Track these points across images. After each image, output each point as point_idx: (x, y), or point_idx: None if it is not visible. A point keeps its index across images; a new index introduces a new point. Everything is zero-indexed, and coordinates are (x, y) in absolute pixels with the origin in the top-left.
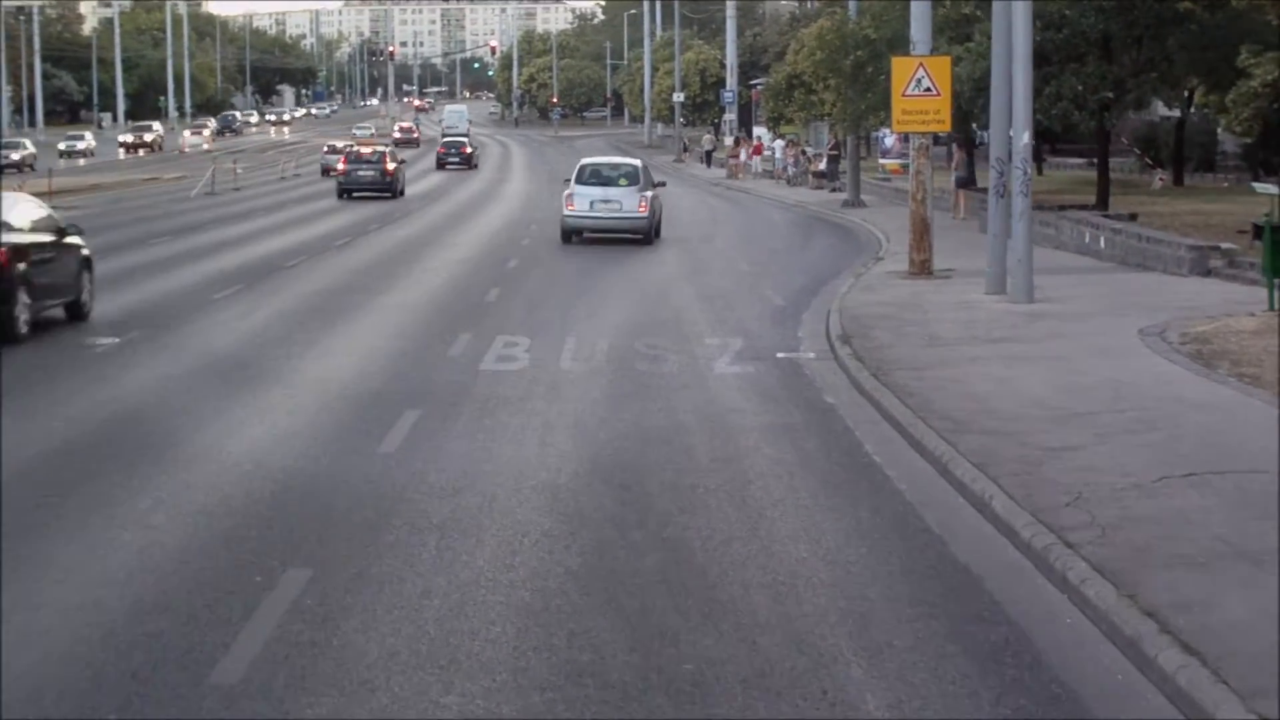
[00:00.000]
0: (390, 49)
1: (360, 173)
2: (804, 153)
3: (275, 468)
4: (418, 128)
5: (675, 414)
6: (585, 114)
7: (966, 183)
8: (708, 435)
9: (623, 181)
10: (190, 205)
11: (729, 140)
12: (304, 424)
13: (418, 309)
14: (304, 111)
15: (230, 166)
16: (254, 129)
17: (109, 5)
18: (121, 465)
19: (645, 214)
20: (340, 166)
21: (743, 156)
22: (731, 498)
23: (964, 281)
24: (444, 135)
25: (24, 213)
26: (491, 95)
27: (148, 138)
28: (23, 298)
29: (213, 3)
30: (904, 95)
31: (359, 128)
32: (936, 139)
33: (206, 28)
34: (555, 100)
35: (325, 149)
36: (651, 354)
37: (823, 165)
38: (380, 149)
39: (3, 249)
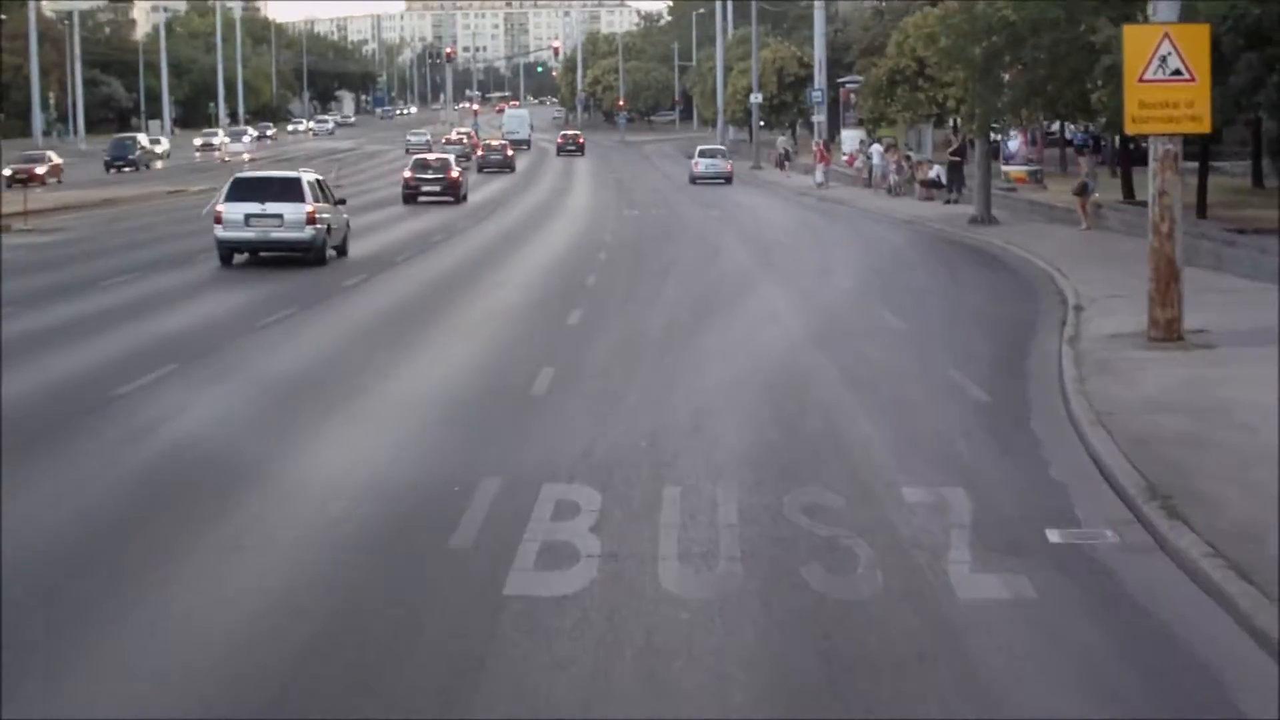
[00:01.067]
0: (449, 50)
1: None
2: (908, 158)
3: None
4: (476, 133)
5: None
6: (653, 117)
7: (1086, 191)
8: None
9: None
10: (193, 227)
11: (816, 145)
12: None
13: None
14: (339, 117)
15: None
16: (293, 134)
17: (162, 10)
18: None
19: None
20: (407, 174)
21: (819, 168)
22: None
23: (1246, 353)
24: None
25: (313, 181)
26: (555, 100)
27: (215, 142)
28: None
29: (271, 4)
30: (1141, 81)
31: (414, 133)
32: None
33: (263, 33)
34: (621, 103)
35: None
36: (819, 536)
37: (933, 173)
38: (446, 156)
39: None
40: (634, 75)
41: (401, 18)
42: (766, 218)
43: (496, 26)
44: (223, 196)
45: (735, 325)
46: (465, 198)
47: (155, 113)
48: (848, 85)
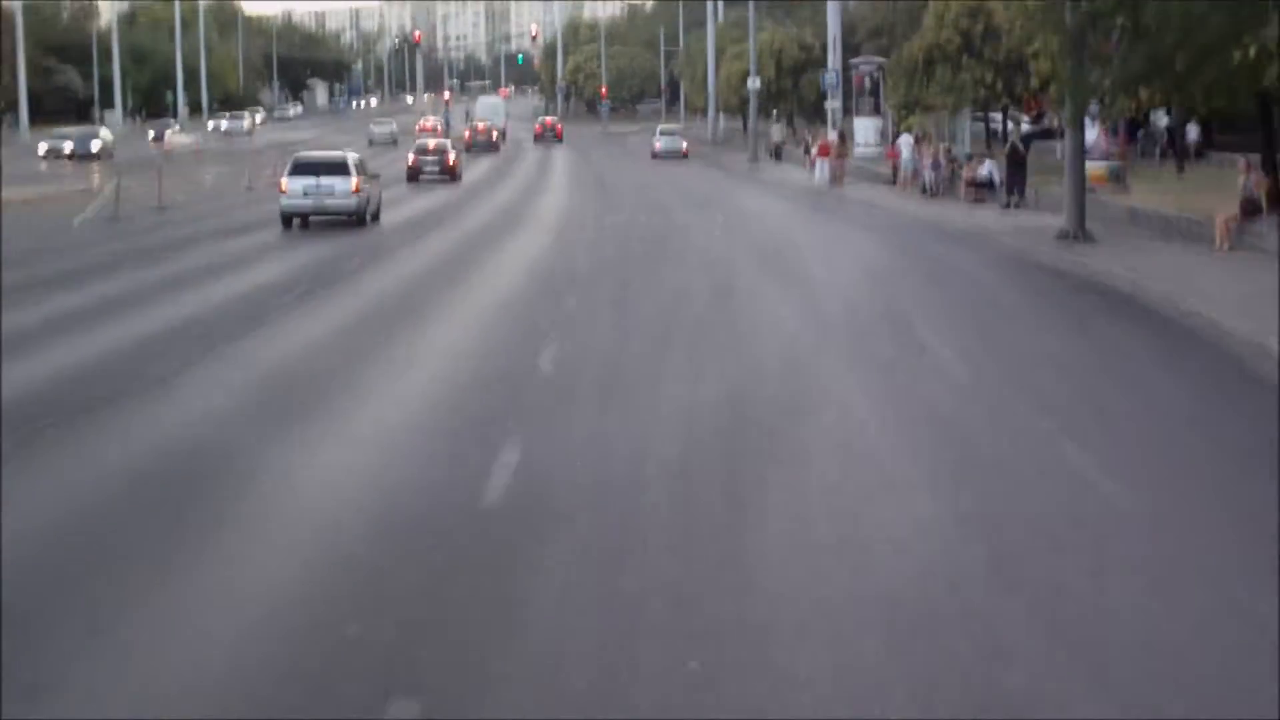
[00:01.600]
0: (416, 34)
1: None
2: (949, 154)
3: None
4: (445, 125)
5: None
6: (638, 106)
7: (1253, 209)
8: None
9: None
10: (57, 242)
11: (833, 135)
12: None
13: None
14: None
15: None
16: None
17: None
18: None
19: None
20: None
21: (816, 160)
22: None
23: None
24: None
25: (356, 160)
26: (536, 90)
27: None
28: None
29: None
30: None
31: (378, 123)
32: (1134, 128)
33: (232, 21)
34: (604, 91)
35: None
36: None
37: (984, 171)
38: (444, 142)
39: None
40: (617, 62)
41: (381, 14)
42: (784, 229)
43: (478, 14)
44: (286, 172)
45: (806, 481)
46: (461, 177)
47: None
48: (860, 68)
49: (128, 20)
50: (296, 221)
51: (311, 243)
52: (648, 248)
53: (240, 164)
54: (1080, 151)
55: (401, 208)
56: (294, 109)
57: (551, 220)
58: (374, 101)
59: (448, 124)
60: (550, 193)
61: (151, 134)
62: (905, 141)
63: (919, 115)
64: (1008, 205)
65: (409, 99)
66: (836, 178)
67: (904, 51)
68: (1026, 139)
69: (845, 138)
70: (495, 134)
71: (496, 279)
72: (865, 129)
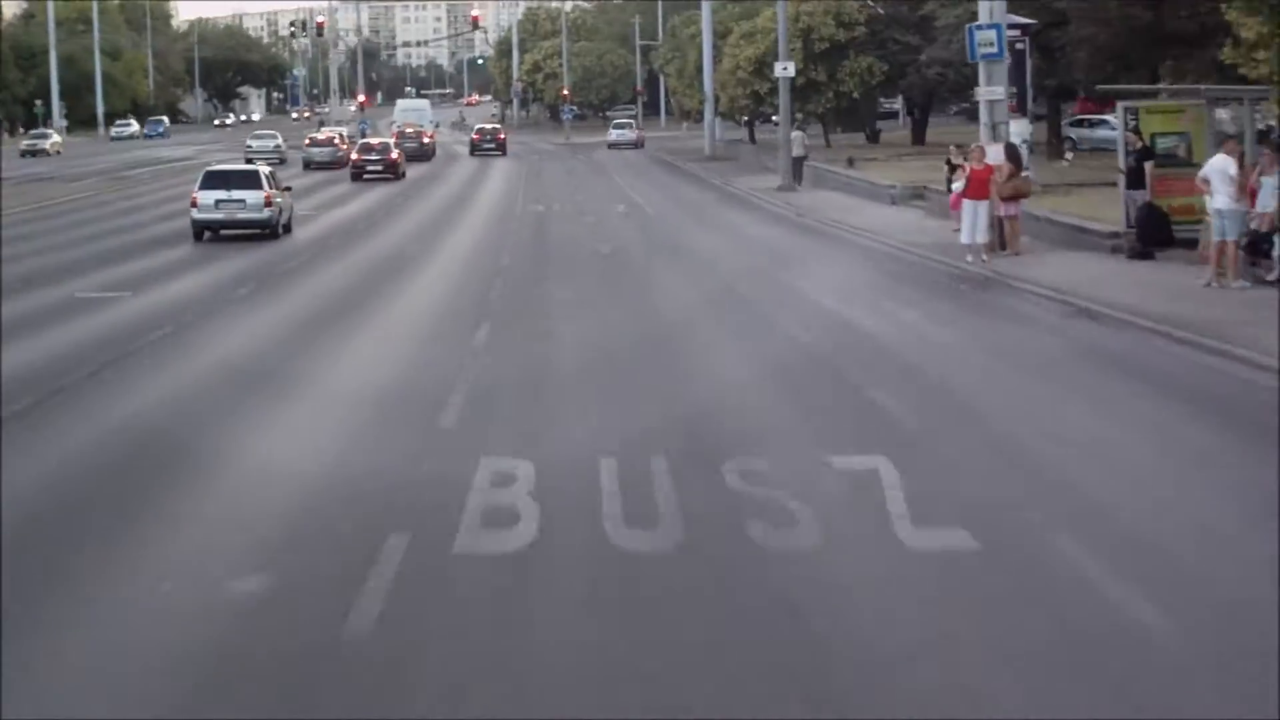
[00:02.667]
0: (319, 21)
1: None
2: None
3: None
4: (345, 137)
5: None
6: (608, 113)
7: None
8: None
9: None
10: None
11: (991, 149)
12: None
13: None
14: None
15: None
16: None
17: None
18: None
19: None
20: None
21: (964, 203)
22: None
23: None
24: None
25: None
26: (492, 95)
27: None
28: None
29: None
30: None
31: (257, 137)
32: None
33: (145, 20)
34: (566, 93)
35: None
36: None
37: None
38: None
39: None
40: (583, 60)
41: (335, 14)
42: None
43: (439, 17)
44: (197, 185)
45: None
46: (404, 175)
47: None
48: (1027, 30)
49: (24, 21)
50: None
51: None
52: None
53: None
54: None
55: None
56: (226, 118)
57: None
58: (256, 115)
59: (363, 133)
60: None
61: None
62: (1221, 167)
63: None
64: None
65: (325, 108)
66: (1003, 239)
67: None
68: None
69: (1016, 157)
70: (426, 138)
71: None
72: (1019, 133)
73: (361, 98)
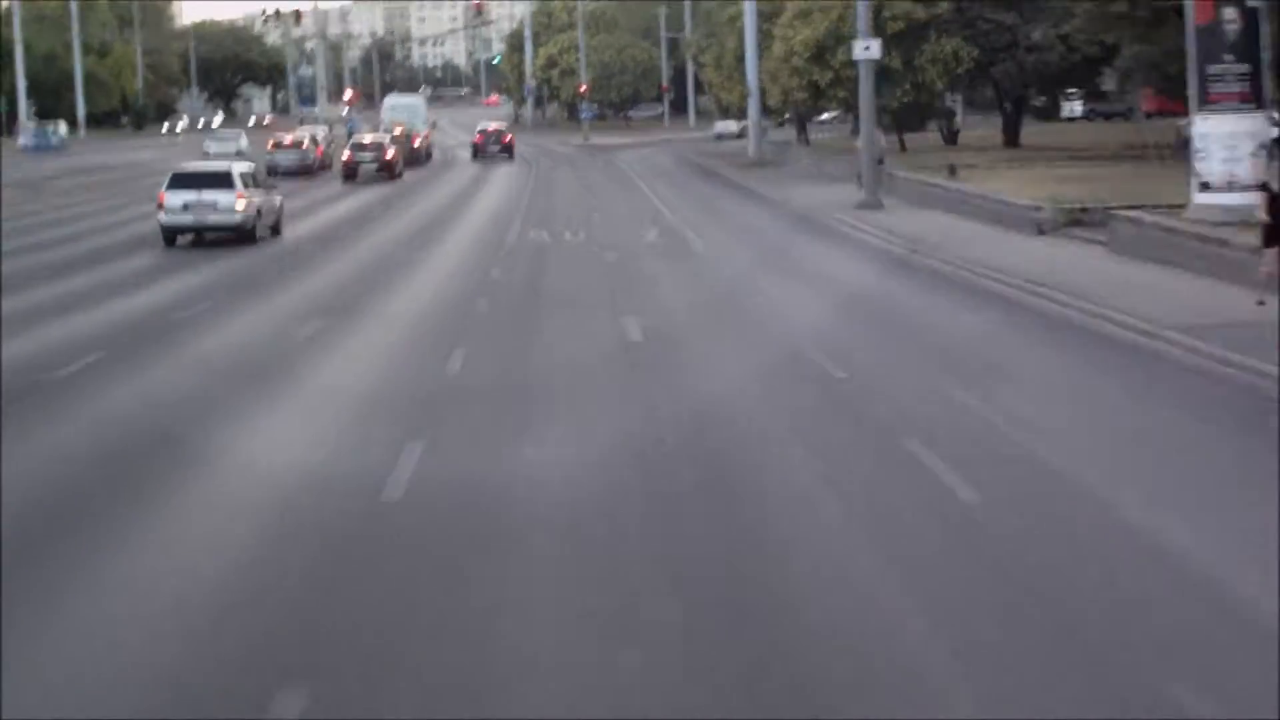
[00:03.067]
0: (296, 9)
1: None
2: None
3: None
4: (319, 140)
5: None
6: (630, 113)
7: None
8: None
9: None
10: None
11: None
12: None
13: None
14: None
15: None
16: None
17: None
18: None
19: None
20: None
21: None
22: None
23: None
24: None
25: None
26: (505, 94)
27: None
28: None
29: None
30: None
31: (216, 140)
32: None
33: (145, 14)
34: (583, 89)
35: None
36: None
37: None
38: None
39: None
40: (602, 55)
41: (347, 16)
42: None
43: (455, 16)
44: (164, 186)
45: None
46: (401, 175)
47: None
48: None
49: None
50: (186, 238)
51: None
52: None
53: None
54: None
55: None
56: (178, 125)
57: None
58: (218, 118)
59: (350, 132)
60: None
61: None
62: None
63: None
64: None
65: (315, 109)
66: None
67: None
68: None
69: None
70: (417, 140)
71: None
72: (1223, 139)
73: (349, 94)
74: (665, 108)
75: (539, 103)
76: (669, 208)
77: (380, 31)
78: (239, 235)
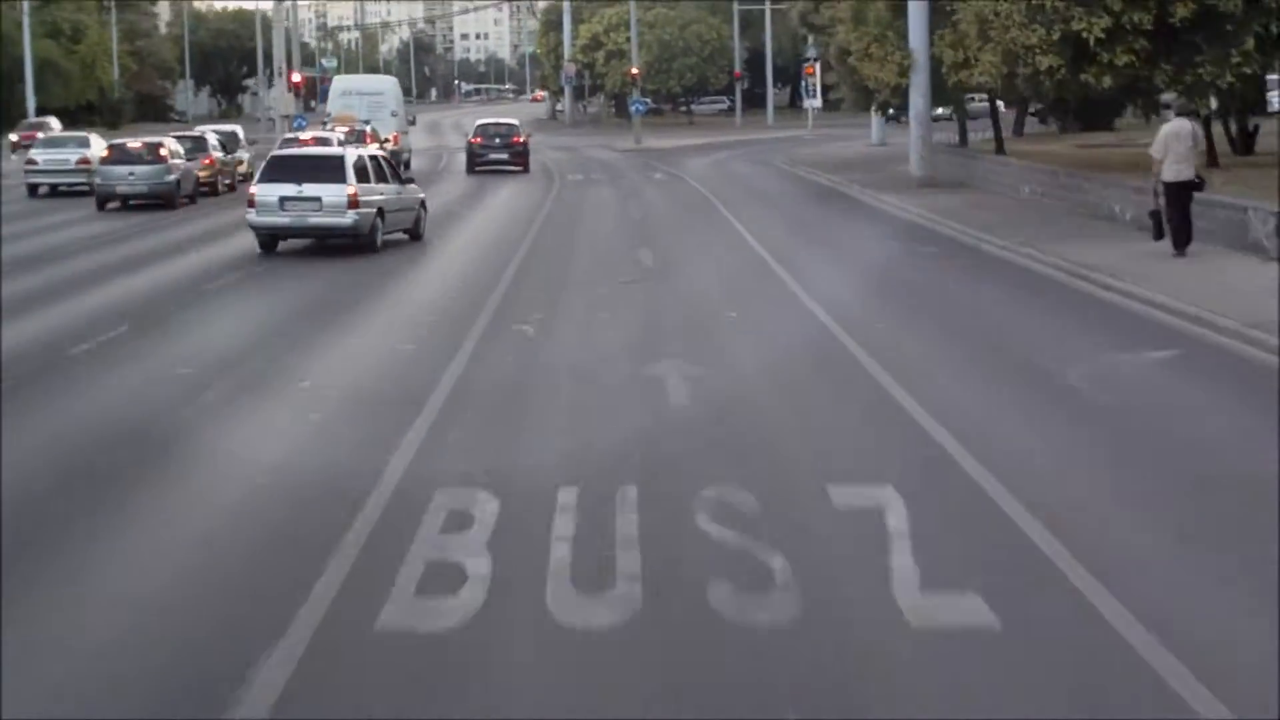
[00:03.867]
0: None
1: None
2: None
3: None
4: (212, 146)
5: None
6: (694, 105)
7: None
8: None
9: None
10: None
11: None
12: None
13: None
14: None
15: None
16: None
17: None
18: None
19: None
20: None
21: None
22: None
23: None
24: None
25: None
26: (540, 84)
27: None
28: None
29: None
30: None
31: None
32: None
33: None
34: (634, 72)
35: None
36: None
37: None
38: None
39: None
40: (658, 32)
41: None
42: None
43: (500, 11)
44: (257, 178)
45: None
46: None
47: None
48: None
49: None
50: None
51: None
52: None
53: None
54: None
55: None
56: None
57: None
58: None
59: (299, 128)
60: None
61: None
62: None
63: None
64: None
65: (268, 109)
66: None
67: None
68: None
69: None
70: (387, 143)
71: None
72: None
73: (297, 78)
74: (738, 100)
75: (579, 94)
76: (817, 300)
77: (420, 22)
78: (353, 241)
